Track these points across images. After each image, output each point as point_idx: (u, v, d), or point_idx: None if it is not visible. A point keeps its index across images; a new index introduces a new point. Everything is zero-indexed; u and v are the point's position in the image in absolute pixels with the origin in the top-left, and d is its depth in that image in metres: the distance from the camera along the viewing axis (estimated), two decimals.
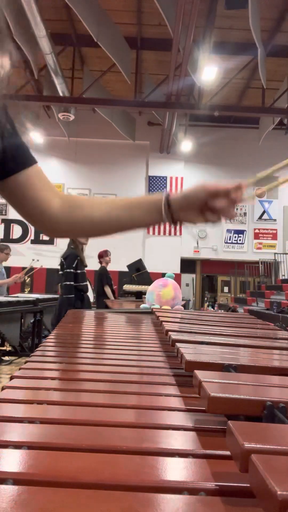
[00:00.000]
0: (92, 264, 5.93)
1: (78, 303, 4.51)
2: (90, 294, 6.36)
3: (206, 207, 0.85)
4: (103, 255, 6.12)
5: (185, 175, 11.78)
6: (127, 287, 7.23)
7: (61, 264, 4.54)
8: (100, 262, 6.18)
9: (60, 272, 4.59)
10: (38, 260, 7.48)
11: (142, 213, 0.89)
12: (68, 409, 0.81)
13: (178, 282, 4.10)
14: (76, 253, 4.47)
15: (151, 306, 3.06)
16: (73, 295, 4.47)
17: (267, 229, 12.14)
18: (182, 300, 3.80)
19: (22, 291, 10.09)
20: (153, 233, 11.60)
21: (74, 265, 4.43)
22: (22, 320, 5.94)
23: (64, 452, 0.59)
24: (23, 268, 6.41)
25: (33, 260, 7.20)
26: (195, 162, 11.88)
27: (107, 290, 6.02)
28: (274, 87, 9.36)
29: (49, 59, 7.81)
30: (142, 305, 3.39)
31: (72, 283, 4.42)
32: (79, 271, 4.47)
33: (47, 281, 10.93)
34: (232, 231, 12.00)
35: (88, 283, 6.31)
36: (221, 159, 11.96)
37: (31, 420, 0.71)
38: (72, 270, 4.43)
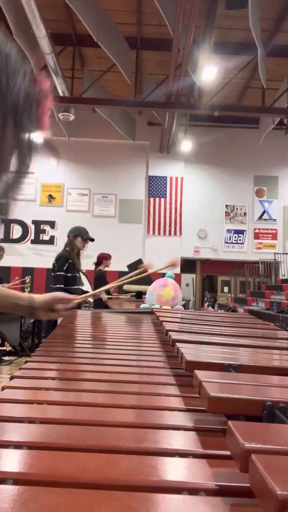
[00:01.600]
0: (91, 264, 5.88)
1: None
2: None
3: (53, 308, 1.46)
4: (107, 258, 5.80)
5: (185, 175, 11.78)
6: (127, 287, 7.22)
7: (53, 266, 4.50)
8: (98, 264, 5.96)
9: (52, 274, 4.56)
10: (17, 278, 7.35)
11: (8, 305, 1.40)
12: (68, 409, 0.81)
13: (178, 282, 4.09)
14: (68, 256, 4.39)
15: (151, 306, 3.06)
16: None
17: (267, 229, 12.14)
18: (182, 300, 3.79)
19: (22, 291, 10.10)
20: (153, 233, 11.59)
21: (64, 268, 4.36)
22: (22, 320, 5.94)
23: (64, 452, 0.59)
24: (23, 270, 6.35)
25: (16, 278, 7.08)
26: (195, 162, 11.88)
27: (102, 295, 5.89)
28: (274, 87, 9.37)
29: (49, 59, 7.80)
30: (142, 305, 3.38)
31: (61, 286, 4.34)
32: (69, 275, 4.39)
33: (47, 281, 10.93)
34: (232, 231, 11.98)
35: (88, 284, 6.27)
36: (221, 159, 11.95)
37: (31, 420, 0.71)
38: (62, 273, 4.35)
